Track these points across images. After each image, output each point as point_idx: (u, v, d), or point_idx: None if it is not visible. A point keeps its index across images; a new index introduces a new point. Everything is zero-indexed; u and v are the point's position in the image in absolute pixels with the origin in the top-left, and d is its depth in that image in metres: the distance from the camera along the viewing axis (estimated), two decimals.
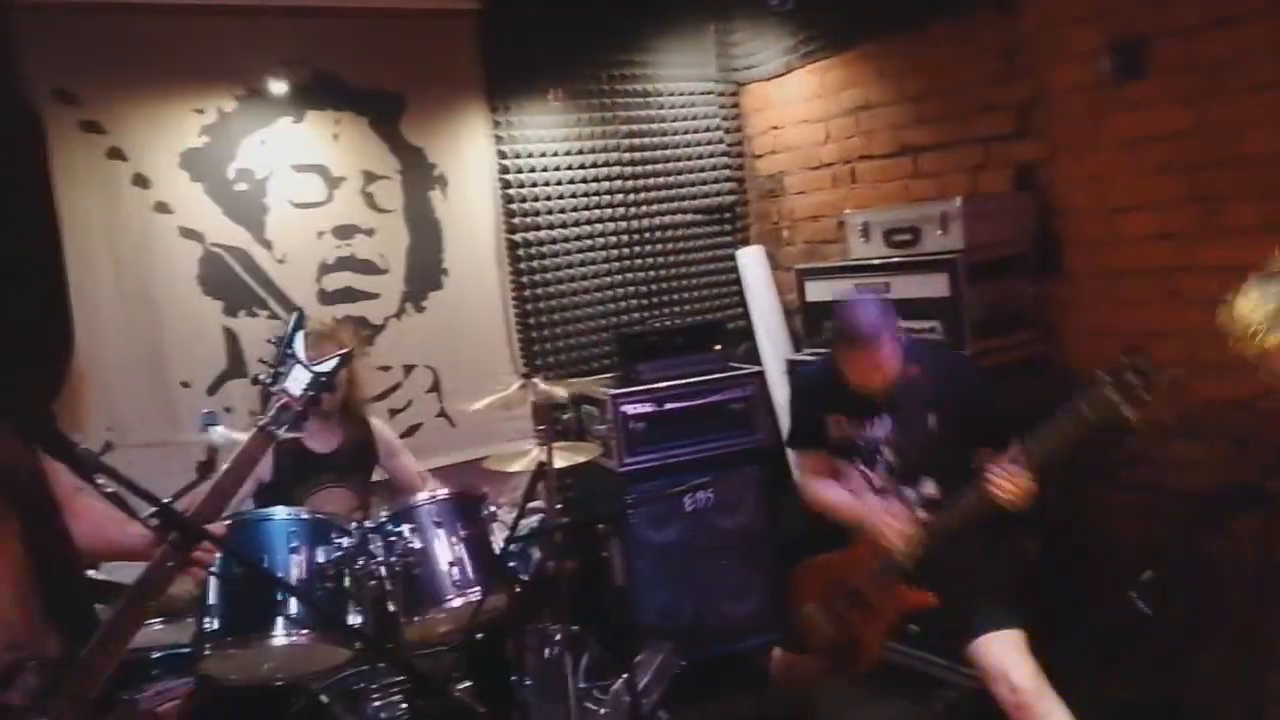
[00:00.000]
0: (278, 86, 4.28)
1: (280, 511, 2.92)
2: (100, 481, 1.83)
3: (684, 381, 4.49)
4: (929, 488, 2.94)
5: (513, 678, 3.29)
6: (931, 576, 2.87)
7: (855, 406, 3.01)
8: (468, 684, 3.31)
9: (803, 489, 3.23)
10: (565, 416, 4.76)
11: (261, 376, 2.16)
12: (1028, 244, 3.84)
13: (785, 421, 4.17)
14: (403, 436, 4.41)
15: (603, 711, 3.39)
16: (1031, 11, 3.76)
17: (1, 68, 1.00)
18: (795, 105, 5.07)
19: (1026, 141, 3.88)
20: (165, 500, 1.88)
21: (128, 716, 2.83)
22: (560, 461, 3.76)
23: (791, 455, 3.25)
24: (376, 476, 3.89)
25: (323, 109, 4.44)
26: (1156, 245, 3.46)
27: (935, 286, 3.73)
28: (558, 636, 3.47)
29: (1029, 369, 3.76)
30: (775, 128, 5.25)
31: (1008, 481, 2.61)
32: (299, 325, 2.18)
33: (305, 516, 2.94)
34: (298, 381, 2.12)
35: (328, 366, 2.16)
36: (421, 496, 3.26)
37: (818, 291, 4.26)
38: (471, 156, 4.79)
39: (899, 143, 4.47)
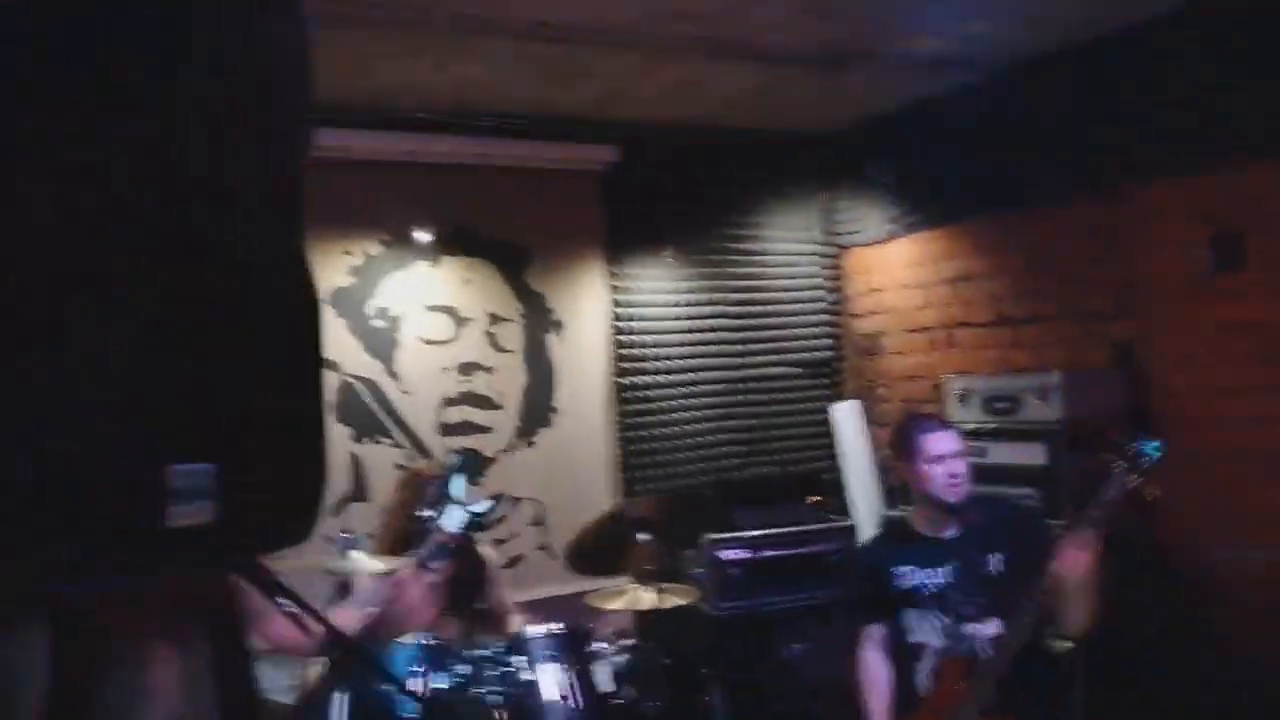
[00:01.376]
0: (420, 235, 4.68)
1: (406, 636, 3.10)
2: (282, 603, 2.05)
3: (779, 530, 4.63)
4: (994, 629, 3.03)
5: None
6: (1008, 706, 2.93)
7: (921, 555, 3.16)
8: None
9: (860, 665, 3.26)
10: (663, 559, 4.91)
11: (422, 515, 2.38)
12: (1124, 419, 3.96)
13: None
14: (505, 567, 4.61)
15: None
16: (1130, 201, 3.97)
17: (291, 223, 1.25)
18: (896, 270, 5.32)
19: (1124, 320, 4.04)
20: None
21: None
22: (657, 603, 3.91)
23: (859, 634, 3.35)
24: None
25: (457, 255, 4.83)
26: (1253, 429, 3.56)
27: (1033, 455, 3.88)
28: None
29: (1119, 542, 3.83)
30: (876, 290, 5.50)
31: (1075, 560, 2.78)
32: (459, 468, 2.40)
33: (428, 642, 3.11)
34: (453, 520, 2.33)
35: (483, 507, 2.37)
36: (534, 629, 3.41)
37: None
38: (587, 304, 5.11)
39: (997, 313, 4.66)
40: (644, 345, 5.21)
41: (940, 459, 3.15)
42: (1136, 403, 3.97)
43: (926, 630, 3.14)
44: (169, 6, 1.18)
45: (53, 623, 1.36)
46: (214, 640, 2.31)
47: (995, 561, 3.07)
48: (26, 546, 1.14)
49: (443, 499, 2.37)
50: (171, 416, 1.18)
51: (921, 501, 3.26)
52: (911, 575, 3.18)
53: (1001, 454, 4.00)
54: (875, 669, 3.29)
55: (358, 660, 2.17)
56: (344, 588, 3.20)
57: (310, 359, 1.34)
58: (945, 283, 4.98)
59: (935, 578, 3.14)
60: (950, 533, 3.20)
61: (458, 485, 2.37)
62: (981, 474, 3.90)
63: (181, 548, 1.20)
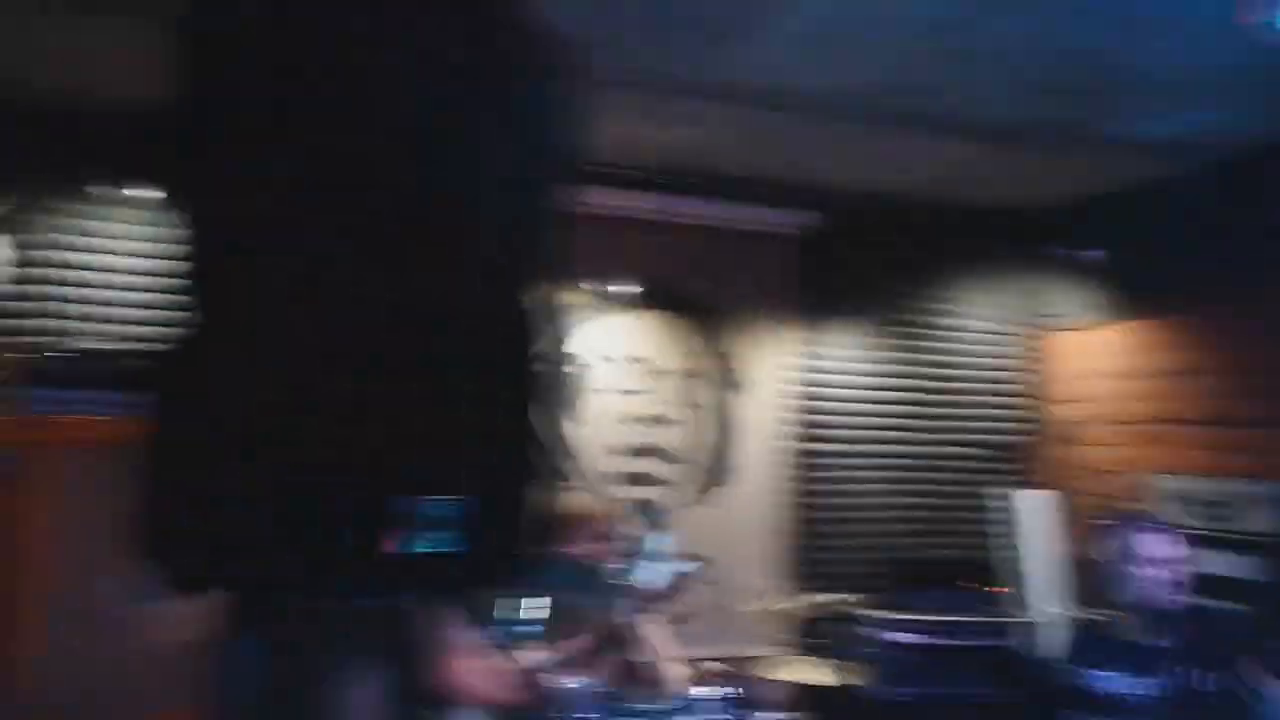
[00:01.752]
0: (621, 287, 4.79)
1: (579, 684, 3.11)
2: (475, 639, 2.11)
3: (954, 618, 4.44)
4: None
5: None
6: None
7: (1126, 662, 2.97)
8: None
9: None
10: (829, 633, 4.79)
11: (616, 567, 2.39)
12: None
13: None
14: (670, 624, 4.58)
15: None
16: None
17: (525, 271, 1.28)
18: (1101, 358, 5.08)
19: None
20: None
21: None
22: (820, 679, 3.81)
23: None
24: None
25: (654, 310, 4.92)
26: None
27: (1248, 568, 3.61)
28: None
29: None
30: (1076, 377, 5.26)
31: None
32: (658, 524, 2.42)
33: (601, 689, 3.11)
34: (655, 576, 2.34)
35: (689, 568, 2.37)
36: (703, 691, 3.36)
37: None
38: (775, 367, 5.09)
39: (1211, 411, 4.38)
40: (828, 413, 5.15)
41: (1158, 562, 2.97)
42: None
43: None
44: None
45: (276, 632, 1.44)
46: (403, 668, 2.39)
47: (1208, 679, 2.86)
48: (261, 563, 1.21)
49: (640, 554, 2.39)
50: (400, 451, 1.24)
51: (1130, 606, 3.07)
52: (1113, 682, 2.99)
53: (1212, 563, 3.74)
54: None
55: (541, 704, 2.20)
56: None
57: (541, 408, 1.38)
58: (1154, 375, 4.72)
59: (1141, 689, 2.94)
60: (1161, 642, 2.99)
61: (660, 542, 2.38)
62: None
63: (404, 575, 1.25)
